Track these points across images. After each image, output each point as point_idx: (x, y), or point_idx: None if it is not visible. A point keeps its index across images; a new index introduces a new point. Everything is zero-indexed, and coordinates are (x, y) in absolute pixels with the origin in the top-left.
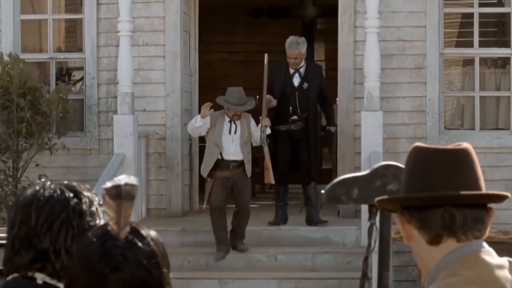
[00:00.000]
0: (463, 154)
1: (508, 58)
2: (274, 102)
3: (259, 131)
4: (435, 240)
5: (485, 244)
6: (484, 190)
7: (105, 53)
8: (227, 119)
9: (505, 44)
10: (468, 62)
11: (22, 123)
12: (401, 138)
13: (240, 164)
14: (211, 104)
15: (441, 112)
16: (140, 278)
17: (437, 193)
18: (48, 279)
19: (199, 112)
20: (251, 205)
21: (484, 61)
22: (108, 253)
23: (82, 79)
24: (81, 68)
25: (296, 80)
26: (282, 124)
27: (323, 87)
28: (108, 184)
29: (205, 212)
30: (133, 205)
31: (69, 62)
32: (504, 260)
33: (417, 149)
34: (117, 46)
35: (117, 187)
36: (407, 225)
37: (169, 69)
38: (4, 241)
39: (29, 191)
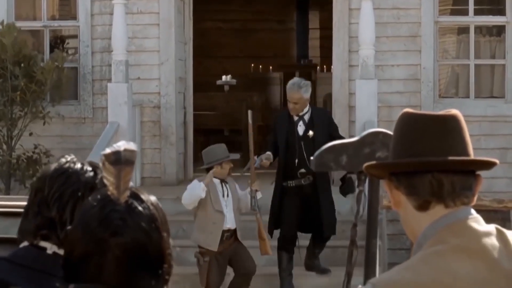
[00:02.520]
0: (452, 121)
1: (503, 26)
2: (266, 163)
3: (248, 196)
4: (423, 206)
5: (473, 211)
6: (472, 157)
7: (99, 21)
8: (217, 181)
9: (500, 12)
10: (463, 30)
11: (16, 91)
12: (396, 107)
13: (233, 233)
14: (214, 170)
15: (436, 80)
16: (140, 242)
17: (425, 159)
18: (56, 249)
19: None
20: None
21: (479, 29)
22: (107, 217)
23: (76, 47)
24: (75, 36)
25: (300, 129)
26: (290, 180)
27: (334, 135)
28: (107, 150)
29: None
30: (132, 170)
31: (63, 30)
32: (492, 228)
33: (406, 115)
34: (111, 14)
35: (116, 153)
36: (395, 191)
37: (163, 37)
38: (7, 209)
39: (54, 164)
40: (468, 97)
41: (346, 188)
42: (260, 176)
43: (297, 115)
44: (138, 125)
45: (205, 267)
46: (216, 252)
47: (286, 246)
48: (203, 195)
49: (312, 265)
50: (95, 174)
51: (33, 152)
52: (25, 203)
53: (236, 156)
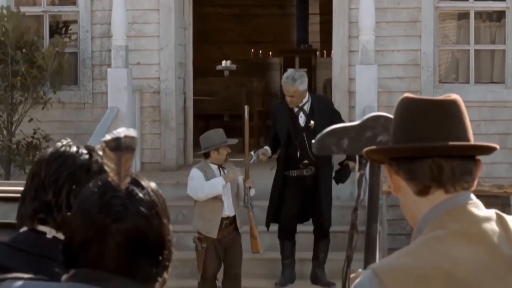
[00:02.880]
0: (452, 105)
1: (503, 12)
2: (262, 158)
3: (242, 193)
4: (423, 191)
5: (473, 196)
6: (472, 142)
7: (99, 6)
8: (215, 167)
9: None
10: (463, 16)
11: (17, 76)
12: (396, 92)
13: (232, 221)
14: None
15: (436, 65)
16: (140, 228)
17: (425, 144)
18: (55, 233)
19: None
20: None
21: (479, 14)
22: (108, 203)
23: (75, 32)
24: (74, 22)
25: (301, 120)
26: (292, 169)
27: (336, 122)
28: (108, 137)
29: None
30: (133, 156)
31: (63, 15)
32: (492, 213)
33: (406, 100)
34: None
35: (116, 139)
36: (395, 176)
37: (163, 22)
38: (7, 194)
39: (50, 149)
40: (468, 82)
41: (342, 176)
42: (259, 164)
43: (297, 106)
44: (138, 111)
45: (202, 253)
46: (214, 239)
47: (286, 235)
48: (222, 190)
49: (317, 278)
50: (91, 156)
51: (33, 138)
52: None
53: (234, 141)
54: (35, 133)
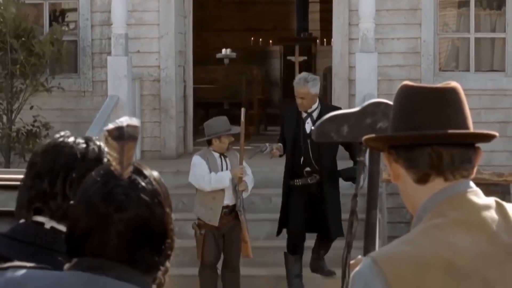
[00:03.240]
0: (452, 93)
1: (504, 0)
2: (276, 152)
3: (251, 179)
4: (422, 179)
5: (472, 184)
6: (472, 130)
7: None
8: (217, 155)
9: None
10: (463, 4)
11: (16, 64)
12: (396, 80)
13: (232, 209)
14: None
15: (436, 53)
16: (143, 217)
17: (425, 132)
18: (55, 224)
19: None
20: None
21: (479, 2)
22: (111, 192)
23: (75, 21)
24: (74, 10)
25: (308, 126)
26: (297, 178)
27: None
28: (110, 126)
29: None
30: (135, 145)
31: (63, 3)
32: (491, 200)
33: (405, 88)
34: None
35: (119, 129)
36: (395, 164)
37: (163, 10)
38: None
39: (48, 139)
40: (468, 70)
41: (350, 172)
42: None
43: (306, 112)
44: (138, 99)
45: (201, 239)
46: (213, 227)
47: (293, 247)
48: (228, 183)
49: (317, 267)
50: (87, 145)
51: (33, 126)
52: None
53: (237, 129)
54: (35, 121)
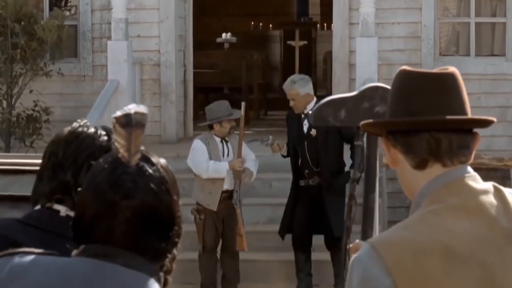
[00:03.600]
0: (449, 78)
1: None
2: (276, 147)
3: (254, 164)
4: (420, 165)
5: (470, 169)
6: (469, 115)
7: None
8: (218, 139)
9: None
10: None
11: (16, 49)
12: (396, 64)
13: (231, 194)
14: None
15: (437, 38)
16: (150, 205)
17: (422, 118)
18: (70, 213)
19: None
20: None
21: None
22: (118, 179)
23: (75, 5)
24: None
25: (305, 127)
26: (302, 179)
27: (343, 131)
28: (118, 113)
29: None
30: (143, 133)
31: None
32: (489, 185)
33: (403, 73)
34: None
35: (127, 116)
36: (393, 150)
37: None
38: (6, 167)
39: (67, 128)
40: (468, 55)
41: (339, 178)
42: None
43: (303, 113)
44: (138, 83)
45: (200, 224)
46: (213, 212)
47: (299, 246)
48: (225, 174)
49: None
50: (109, 138)
51: (33, 110)
52: (24, 160)
53: (238, 114)
54: (35, 105)
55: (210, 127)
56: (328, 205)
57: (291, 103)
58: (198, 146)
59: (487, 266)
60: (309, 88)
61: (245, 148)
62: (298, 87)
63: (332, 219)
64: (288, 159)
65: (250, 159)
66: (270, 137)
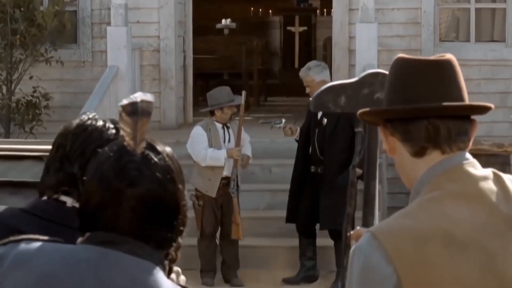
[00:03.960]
0: (447, 65)
1: None
2: (288, 131)
3: (248, 146)
4: (419, 153)
5: (469, 156)
6: (467, 102)
7: None
8: (219, 125)
9: None
10: None
11: (16, 35)
12: (396, 50)
13: (229, 181)
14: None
15: (436, 24)
16: (155, 193)
17: (421, 105)
18: (76, 204)
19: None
20: None
21: None
22: (124, 168)
23: None
24: None
25: (319, 115)
26: (312, 165)
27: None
28: (124, 101)
29: None
30: (149, 121)
31: None
32: (488, 171)
33: (400, 60)
34: None
35: (133, 104)
36: (391, 138)
37: None
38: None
39: (76, 120)
40: (468, 41)
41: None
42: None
43: None
44: (138, 69)
45: (199, 210)
46: (211, 198)
47: (302, 231)
48: (223, 162)
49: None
50: (118, 131)
51: (33, 96)
52: (23, 146)
53: (239, 100)
54: (34, 91)
55: (212, 113)
56: (323, 194)
57: (307, 90)
58: (197, 133)
59: (488, 252)
60: (324, 75)
61: (242, 133)
62: (313, 74)
63: (324, 210)
64: (296, 145)
65: (246, 141)
66: (283, 120)
